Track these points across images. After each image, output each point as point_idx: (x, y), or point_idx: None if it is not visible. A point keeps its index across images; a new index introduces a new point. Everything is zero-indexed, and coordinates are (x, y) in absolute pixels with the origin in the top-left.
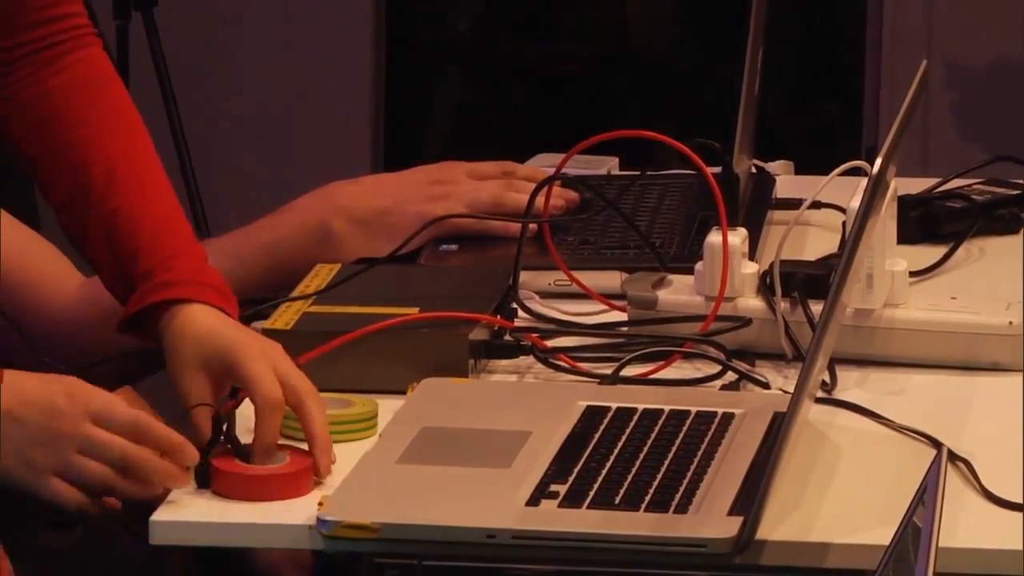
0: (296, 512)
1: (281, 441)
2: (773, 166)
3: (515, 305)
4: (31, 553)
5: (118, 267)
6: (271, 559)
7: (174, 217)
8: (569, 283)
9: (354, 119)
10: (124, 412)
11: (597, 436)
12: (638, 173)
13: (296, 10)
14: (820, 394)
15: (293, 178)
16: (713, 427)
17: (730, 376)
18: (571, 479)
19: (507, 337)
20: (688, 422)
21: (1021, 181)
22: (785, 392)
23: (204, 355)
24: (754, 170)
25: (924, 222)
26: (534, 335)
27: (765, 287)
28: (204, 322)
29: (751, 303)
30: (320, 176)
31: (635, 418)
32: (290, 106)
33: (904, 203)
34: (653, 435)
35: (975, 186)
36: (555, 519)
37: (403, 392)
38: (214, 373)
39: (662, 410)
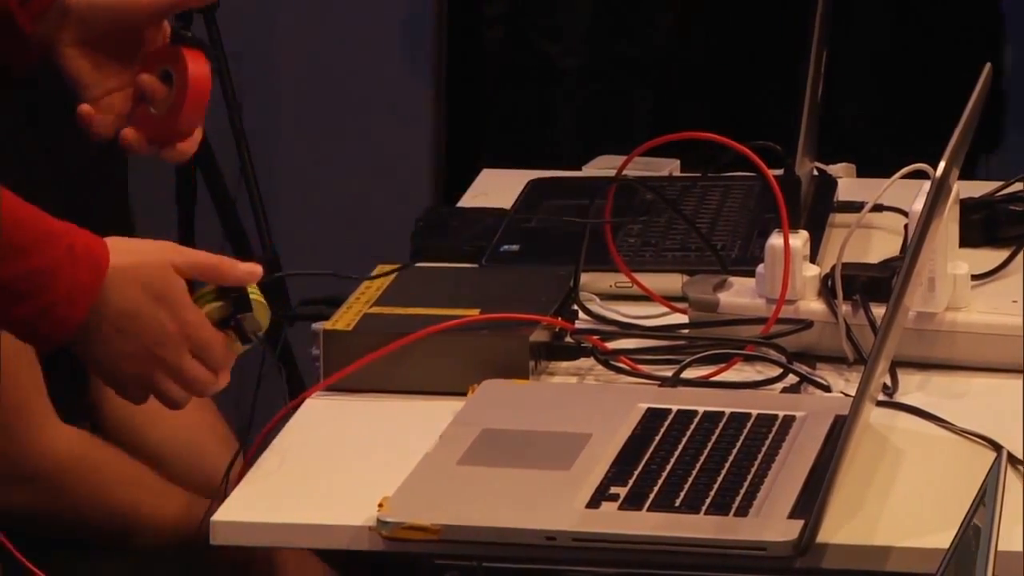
0: (356, 513)
1: None
2: (835, 168)
3: (576, 307)
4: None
5: None
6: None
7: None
8: (630, 285)
9: (414, 119)
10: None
11: (657, 438)
12: (699, 175)
13: (358, 13)
14: (881, 397)
15: (354, 181)
16: (774, 430)
17: (791, 379)
18: (631, 481)
19: (568, 339)
20: (749, 425)
21: None
22: (846, 395)
23: None
24: (816, 172)
25: (986, 225)
26: (595, 337)
27: (827, 290)
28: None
29: (812, 306)
30: (380, 179)
31: (696, 420)
32: (352, 108)
33: (966, 206)
34: (714, 438)
35: None
36: (615, 521)
37: (463, 393)
38: None
39: (723, 413)
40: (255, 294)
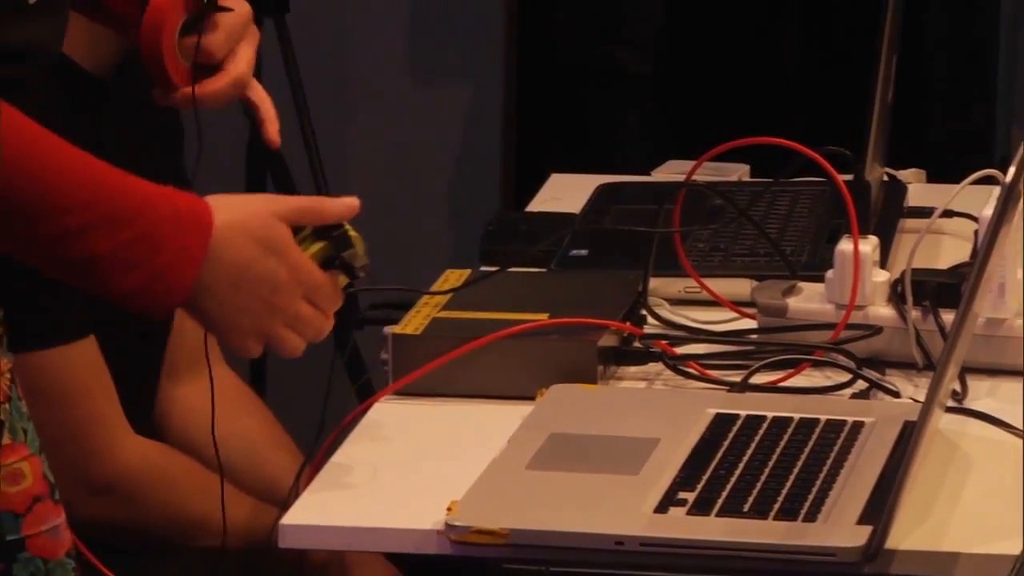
0: (424, 517)
1: None
2: (905, 174)
3: (645, 312)
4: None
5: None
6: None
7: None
8: (699, 290)
9: (484, 124)
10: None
11: (726, 444)
12: (769, 180)
13: (427, 17)
14: (951, 403)
15: (423, 184)
16: (843, 436)
17: (860, 384)
18: (700, 487)
19: (636, 344)
20: (818, 430)
21: None
22: (916, 401)
23: None
24: (886, 178)
25: None
26: (663, 342)
27: (896, 295)
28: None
29: (882, 311)
30: (449, 183)
31: (764, 426)
32: (422, 110)
33: None
34: (782, 443)
35: None
36: (683, 527)
37: (532, 398)
38: None
39: (791, 418)
40: (350, 229)
